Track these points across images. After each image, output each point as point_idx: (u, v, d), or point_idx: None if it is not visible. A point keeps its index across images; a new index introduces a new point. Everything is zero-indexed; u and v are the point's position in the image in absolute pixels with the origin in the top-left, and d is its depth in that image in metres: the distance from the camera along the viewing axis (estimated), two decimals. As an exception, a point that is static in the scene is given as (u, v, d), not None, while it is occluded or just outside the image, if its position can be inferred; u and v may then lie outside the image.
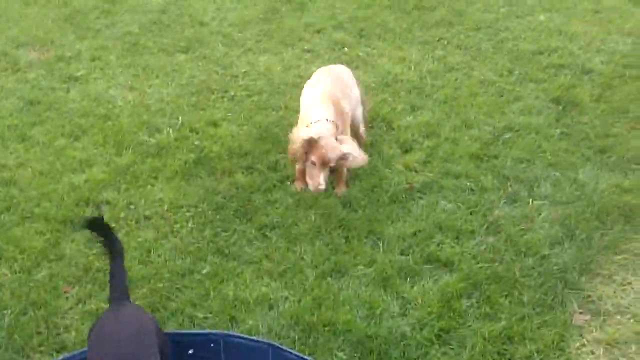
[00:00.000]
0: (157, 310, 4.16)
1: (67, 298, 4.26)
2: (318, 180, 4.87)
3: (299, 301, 4.24)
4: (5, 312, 4.13)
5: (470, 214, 4.98)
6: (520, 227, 4.84)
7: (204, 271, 4.50)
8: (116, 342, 3.09)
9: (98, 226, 3.47)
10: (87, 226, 3.49)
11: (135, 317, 3.32)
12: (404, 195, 5.17)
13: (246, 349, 3.51)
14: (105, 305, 3.70)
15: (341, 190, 5.20)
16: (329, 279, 4.44)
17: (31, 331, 4.00)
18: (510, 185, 5.28)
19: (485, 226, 4.86)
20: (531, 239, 4.72)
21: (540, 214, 4.96)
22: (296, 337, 3.94)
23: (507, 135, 5.92)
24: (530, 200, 5.13)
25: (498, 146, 5.78)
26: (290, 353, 3.46)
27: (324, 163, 4.82)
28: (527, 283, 4.35)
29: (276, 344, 3.56)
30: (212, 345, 3.54)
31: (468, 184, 5.30)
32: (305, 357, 3.45)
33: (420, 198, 5.17)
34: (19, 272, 4.46)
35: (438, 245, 4.68)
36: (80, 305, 4.18)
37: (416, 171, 5.48)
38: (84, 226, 3.50)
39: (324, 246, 4.70)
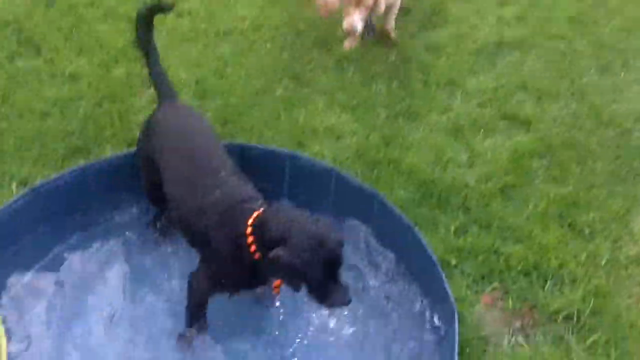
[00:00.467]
0: (227, 123, 4.20)
1: (141, 98, 4.32)
2: (352, 18, 4.66)
3: (367, 137, 4.21)
4: (81, 102, 4.24)
5: (559, 77, 4.76)
6: (607, 98, 4.62)
7: (278, 93, 4.49)
8: (176, 133, 3.10)
9: (147, 20, 3.30)
10: (139, 15, 3.30)
11: (190, 114, 3.32)
12: (492, 48, 4.95)
13: (310, 171, 3.53)
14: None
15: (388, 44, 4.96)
16: (400, 120, 4.38)
17: (105, 123, 4.10)
18: (605, 54, 4.99)
19: (571, 91, 4.66)
20: (616, 110, 4.52)
21: (630, 87, 4.71)
22: (359, 170, 3.95)
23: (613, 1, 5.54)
24: (623, 72, 4.86)
25: (600, 11, 5.41)
26: (354, 181, 3.47)
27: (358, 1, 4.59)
28: (602, 153, 4.21)
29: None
30: (277, 162, 3.56)
31: (561, 46, 5.04)
32: (367, 187, 3.45)
33: (509, 54, 4.95)
34: (98, 66, 4.52)
35: (518, 103, 4.53)
36: (154, 106, 4.23)
37: (509, 25, 5.21)
38: (138, 15, 3.29)
39: (400, 88, 4.61)
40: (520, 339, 3.17)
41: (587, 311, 3.24)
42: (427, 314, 3.14)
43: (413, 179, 3.92)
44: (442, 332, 3.00)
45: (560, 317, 3.24)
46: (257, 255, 2.67)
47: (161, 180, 3.07)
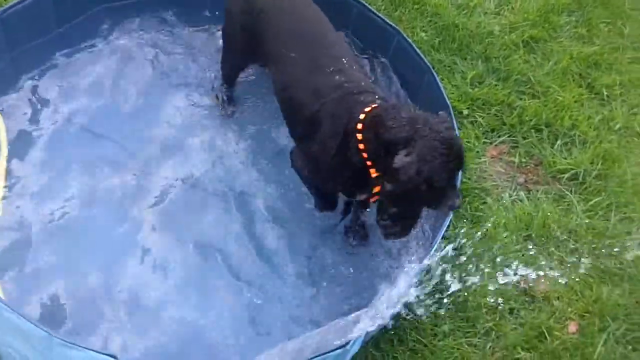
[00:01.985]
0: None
1: None
2: None
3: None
4: None
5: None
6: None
7: None
8: (291, 14, 2.88)
9: None
10: None
11: None
12: None
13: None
14: None
15: None
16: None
17: None
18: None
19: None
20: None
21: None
22: (382, 7, 3.80)
23: None
24: None
25: None
26: (377, 15, 3.33)
27: None
28: (634, 16, 4.03)
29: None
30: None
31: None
32: (390, 22, 3.31)
33: None
34: None
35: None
36: None
37: None
38: None
39: None
40: (522, 194, 3.19)
41: (594, 174, 3.24)
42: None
43: (436, 21, 3.78)
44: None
45: (565, 177, 3.25)
46: (364, 155, 2.39)
47: (253, 58, 3.01)
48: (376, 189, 2.44)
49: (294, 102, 2.70)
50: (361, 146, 2.38)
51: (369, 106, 2.41)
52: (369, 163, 2.38)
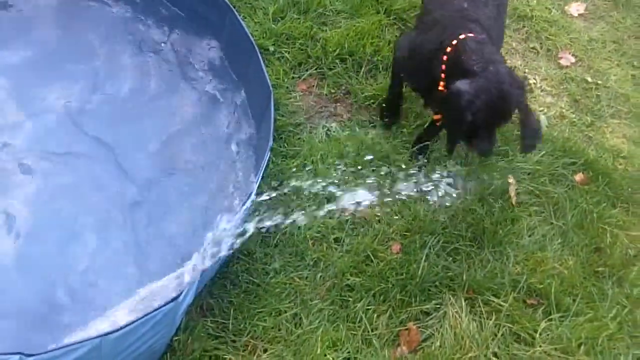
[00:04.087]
0: None
1: None
2: None
3: None
4: None
5: None
6: None
7: None
8: None
9: None
10: None
11: None
12: None
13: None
14: None
15: None
16: None
17: None
18: None
19: None
20: None
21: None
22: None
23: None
24: None
25: None
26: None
27: None
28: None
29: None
30: None
31: None
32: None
33: None
34: None
35: None
36: None
37: None
38: None
39: None
40: (334, 125, 3.25)
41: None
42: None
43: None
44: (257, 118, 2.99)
45: (375, 103, 3.35)
46: (442, 67, 2.67)
47: None
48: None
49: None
50: (442, 67, 2.69)
51: (464, 34, 2.69)
52: (442, 75, 2.69)
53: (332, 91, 3.39)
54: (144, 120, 3.07)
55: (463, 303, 2.75)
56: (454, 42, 2.68)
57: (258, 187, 2.52)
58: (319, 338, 2.58)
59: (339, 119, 3.30)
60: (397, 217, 2.98)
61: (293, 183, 2.94)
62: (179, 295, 2.16)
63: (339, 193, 2.95)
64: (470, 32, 2.71)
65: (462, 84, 2.52)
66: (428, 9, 3.02)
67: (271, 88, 2.86)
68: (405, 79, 3.12)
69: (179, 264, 2.54)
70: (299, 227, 2.85)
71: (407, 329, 2.68)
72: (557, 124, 3.53)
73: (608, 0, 4.27)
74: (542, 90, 3.68)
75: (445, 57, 2.69)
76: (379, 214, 2.97)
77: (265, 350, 2.56)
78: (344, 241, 2.87)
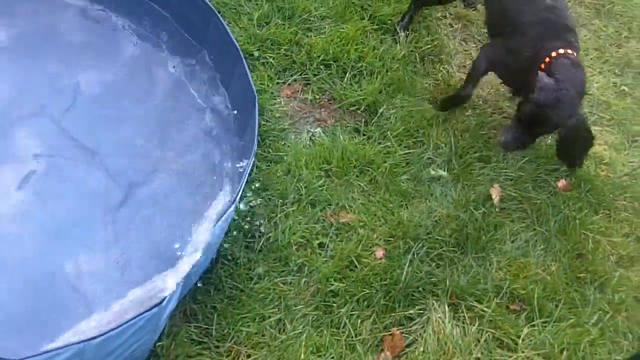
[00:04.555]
0: None
1: None
2: None
3: None
4: None
5: None
6: None
7: None
8: None
9: None
10: None
11: None
12: None
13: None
14: None
15: None
16: None
17: None
18: None
19: None
20: None
21: None
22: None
23: None
24: None
25: None
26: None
27: None
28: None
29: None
30: None
31: None
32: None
33: None
34: None
35: None
36: None
37: None
38: None
39: None
40: (319, 130, 3.26)
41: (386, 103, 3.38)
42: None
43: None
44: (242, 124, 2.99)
45: (360, 109, 3.36)
46: (542, 66, 3.01)
47: None
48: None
49: (507, 9, 3.24)
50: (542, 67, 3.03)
51: (556, 51, 3.01)
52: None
53: (317, 97, 3.39)
54: (127, 122, 3.05)
55: (446, 308, 2.76)
56: (553, 55, 3.00)
57: (242, 192, 2.51)
58: (303, 343, 2.58)
59: (324, 124, 3.31)
60: (380, 223, 2.99)
61: (277, 189, 2.95)
62: (162, 301, 2.15)
63: (323, 198, 2.96)
64: (567, 46, 3.02)
65: (546, 80, 2.89)
66: (514, 12, 3.20)
67: (256, 93, 2.86)
68: (499, 76, 3.39)
69: (162, 269, 2.53)
70: (283, 232, 2.85)
71: (390, 335, 2.68)
72: (540, 130, 3.55)
73: (590, 8, 4.32)
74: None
75: (542, 66, 3.01)
76: (363, 219, 2.97)
77: (248, 356, 2.55)
78: (328, 246, 2.87)
